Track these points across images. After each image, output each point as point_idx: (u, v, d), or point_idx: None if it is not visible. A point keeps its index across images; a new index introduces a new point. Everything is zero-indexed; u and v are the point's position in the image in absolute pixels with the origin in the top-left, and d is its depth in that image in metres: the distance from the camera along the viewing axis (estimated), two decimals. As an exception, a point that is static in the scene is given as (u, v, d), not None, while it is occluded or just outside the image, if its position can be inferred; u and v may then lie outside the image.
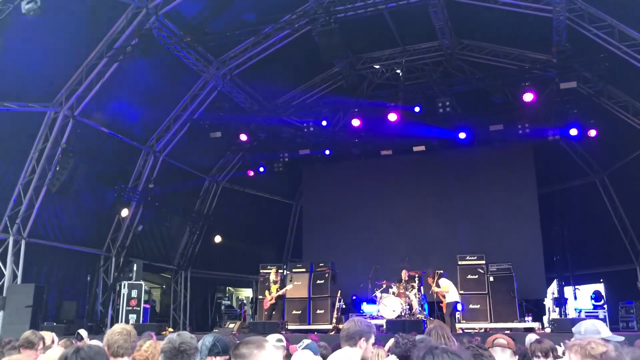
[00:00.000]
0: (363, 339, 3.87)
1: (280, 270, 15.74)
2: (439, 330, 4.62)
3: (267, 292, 14.81)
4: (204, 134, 16.32)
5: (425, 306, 14.58)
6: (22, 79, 12.49)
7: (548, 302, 16.60)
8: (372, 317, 14.54)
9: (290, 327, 14.68)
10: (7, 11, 9.91)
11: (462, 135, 16.54)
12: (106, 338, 3.87)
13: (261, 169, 19.10)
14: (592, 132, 15.23)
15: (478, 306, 14.04)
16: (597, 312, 15.79)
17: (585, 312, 15.80)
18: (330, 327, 14.26)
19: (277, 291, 14.65)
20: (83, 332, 8.51)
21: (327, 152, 18.40)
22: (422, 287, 14.54)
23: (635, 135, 14.59)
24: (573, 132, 15.33)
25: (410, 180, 18.96)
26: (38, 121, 13.61)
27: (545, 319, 15.83)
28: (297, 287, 15.44)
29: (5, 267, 13.71)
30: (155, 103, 15.76)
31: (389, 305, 13.75)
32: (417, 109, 15.40)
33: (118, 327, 3.94)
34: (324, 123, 16.07)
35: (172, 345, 3.10)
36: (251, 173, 19.01)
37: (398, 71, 17.31)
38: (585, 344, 3.15)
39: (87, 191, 15.02)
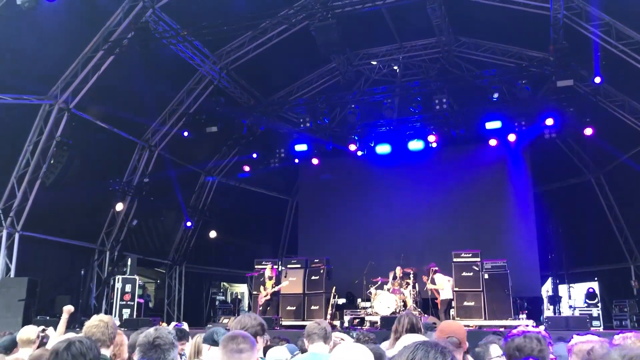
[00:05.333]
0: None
1: (276, 266, 15.70)
2: (411, 317, 4.69)
3: (262, 288, 14.78)
4: (200, 129, 16.24)
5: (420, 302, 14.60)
6: (17, 71, 12.40)
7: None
8: (367, 314, 14.55)
9: (284, 322, 14.67)
10: (1, 3, 9.83)
11: (458, 133, 16.52)
12: (84, 330, 3.85)
13: (256, 159, 18.93)
14: (588, 131, 15.21)
15: (472, 303, 14.04)
16: (590, 310, 15.84)
17: (580, 310, 15.85)
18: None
19: (273, 287, 14.62)
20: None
21: (324, 148, 18.36)
22: (416, 284, 14.54)
23: (631, 134, 14.61)
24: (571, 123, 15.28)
25: (407, 177, 18.93)
26: (33, 113, 13.53)
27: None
28: (292, 283, 15.42)
29: (-2, 260, 13.66)
30: (151, 97, 15.67)
31: (383, 302, 13.76)
32: (413, 106, 15.36)
33: (95, 319, 3.93)
34: (321, 119, 16.02)
35: (147, 339, 3.06)
36: (247, 168, 18.92)
37: (395, 67, 17.30)
38: None
39: (82, 184, 14.92)
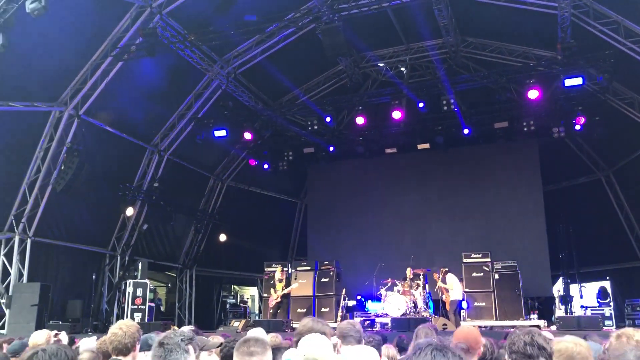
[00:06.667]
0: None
1: (286, 269, 15.73)
2: (427, 330, 4.76)
3: (272, 291, 14.82)
4: (208, 133, 16.33)
5: (430, 304, 14.57)
6: (26, 78, 12.53)
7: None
8: (377, 315, 14.54)
9: (294, 325, 14.68)
10: (11, 11, 9.93)
11: (466, 133, 16.50)
12: (107, 335, 3.92)
13: (265, 166, 19.03)
14: (598, 129, 15.11)
15: (483, 304, 14.00)
16: (603, 309, 15.73)
17: (592, 310, 15.74)
18: (335, 325, 14.24)
19: (283, 289, 14.65)
20: None
21: (332, 150, 18.39)
22: (427, 285, 14.51)
23: (641, 132, 14.52)
24: (577, 127, 15.21)
25: (415, 178, 18.92)
26: (43, 120, 13.66)
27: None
28: (302, 286, 15.44)
29: (11, 266, 13.79)
30: (160, 102, 15.79)
31: (394, 304, 13.74)
32: (420, 105, 15.36)
33: (116, 326, 3.96)
34: (328, 121, 16.06)
35: (157, 338, 3.10)
36: (253, 162, 18.85)
37: (402, 69, 17.30)
38: None
39: (92, 190, 15.04)
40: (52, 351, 3.10)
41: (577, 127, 15.24)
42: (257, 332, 5.04)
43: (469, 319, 13.86)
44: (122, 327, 3.90)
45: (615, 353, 2.86)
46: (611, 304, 15.89)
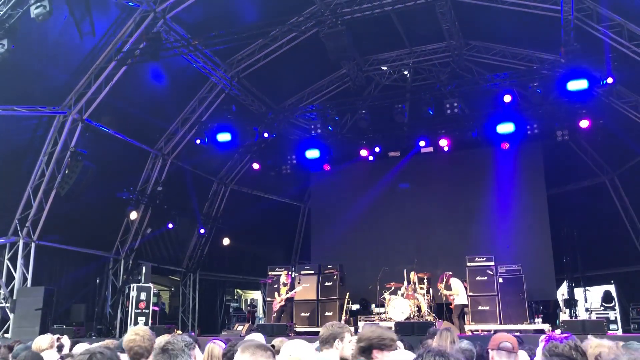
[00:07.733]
0: (337, 340, 4.03)
1: (290, 273, 15.72)
2: (450, 333, 4.80)
3: (276, 294, 14.80)
4: (212, 137, 16.34)
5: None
6: (30, 82, 12.58)
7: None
8: (382, 319, 14.51)
9: (298, 329, 14.67)
10: (16, 16, 9.98)
11: (469, 136, 16.47)
12: (124, 342, 3.92)
13: (268, 169, 18.98)
14: (602, 132, 15.07)
15: (487, 308, 13.97)
16: (608, 313, 15.67)
17: (596, 314, 15.69)
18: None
19: (287, 293, 14.64)
20: None
21: (335, 153, 18.38)
22: (430, 289, 14.48)
23: (645, 134, 14.48)
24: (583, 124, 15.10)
25: (419, 181, 18.90)
26: (47, 125, 13.70)
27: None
28: (306, 289, 15.42)
29: (15, 270, 13.81)
30: (164, 106, 15.83)
31: (397, 307, 13.71)
32: (424, 110, 15.35)
33: (132, 331, 3.97)
34: (332, 125, 16.06)
35: (160, 344, 3.16)
36: (256, 166, 18.79)
37: (405, 72, 17.31)
38: None
39: (96, 194, 15.08)
40: (109, 356, 3.12)
41: (581, 130, 15.21)
42: (257, 337, 5.08)
43: (473, 323, 13.83)
44: (139, 332, 3.92)
45: (608, 358, 2.91)
46: (616, 307, 15.82)
